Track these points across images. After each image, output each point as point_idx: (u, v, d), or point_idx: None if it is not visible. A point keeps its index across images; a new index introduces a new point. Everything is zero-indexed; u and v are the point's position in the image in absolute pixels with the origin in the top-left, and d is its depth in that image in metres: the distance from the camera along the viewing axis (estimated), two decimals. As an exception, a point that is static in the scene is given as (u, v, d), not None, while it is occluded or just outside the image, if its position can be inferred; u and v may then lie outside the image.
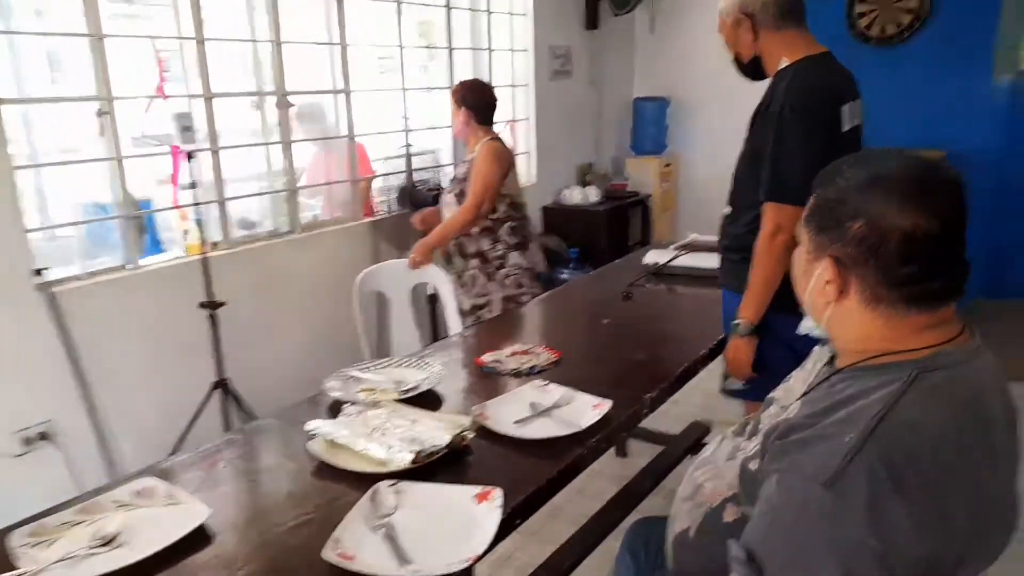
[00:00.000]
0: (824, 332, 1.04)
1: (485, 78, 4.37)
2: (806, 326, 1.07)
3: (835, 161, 1.02)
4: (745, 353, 1.85)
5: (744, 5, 1.80)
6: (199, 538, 1.14)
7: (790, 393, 1.16)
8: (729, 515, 1.12)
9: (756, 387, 1.84)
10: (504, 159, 2.91)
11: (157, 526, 1.14)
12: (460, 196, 2.95)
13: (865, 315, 0.94)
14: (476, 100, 2.94)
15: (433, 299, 3.17)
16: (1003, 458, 0.93)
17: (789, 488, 0.89)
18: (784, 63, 1.79)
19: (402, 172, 3.88)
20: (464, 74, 4.20)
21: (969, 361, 0.93)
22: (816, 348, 1.20)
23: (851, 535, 0.83)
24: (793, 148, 1.67)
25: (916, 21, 4.51)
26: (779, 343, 1.77)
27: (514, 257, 2.97)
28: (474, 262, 2.97)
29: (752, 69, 1.89)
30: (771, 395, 1.23)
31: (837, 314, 0.97)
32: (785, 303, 1.51)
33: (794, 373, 1.22)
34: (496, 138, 2.97)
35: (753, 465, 1.05)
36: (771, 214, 1.72)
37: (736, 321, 1.84)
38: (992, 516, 0.91)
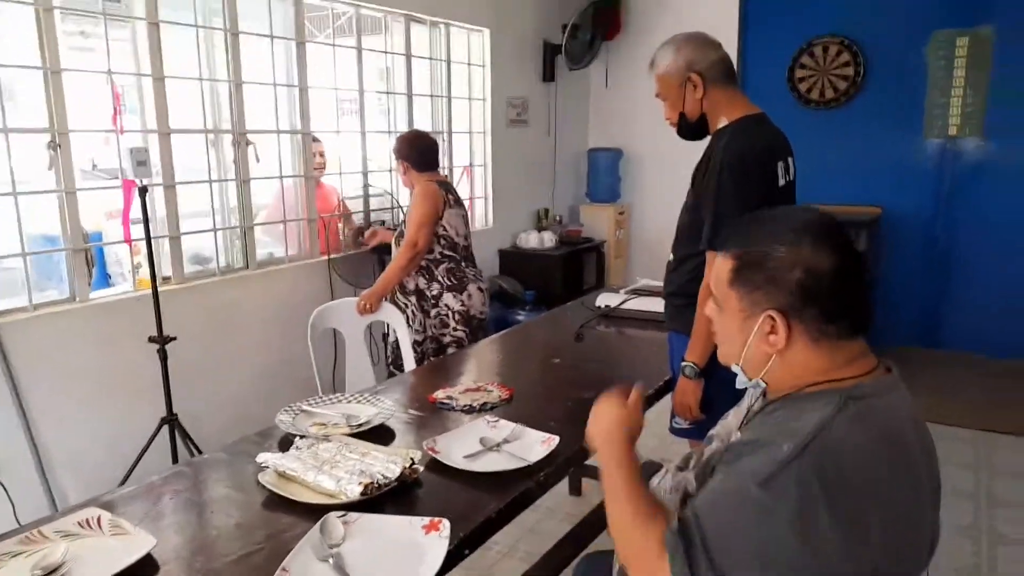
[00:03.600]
0: (759, 383, 1.08)
1: (443, 124, 4.47)
2: (742, 381, 1.11)
3: (729, 227, 1.10)
4: (692, 394, 1.92)
5: (692, 64, 1.88)
6: (145, 568, 1.13)
7: (728, 428, 1.22)
8: (670, 544, 1.16)
9: (702, 426, 1.90)
10: (433, 198, 3.00)
11: (102, 556, 1.13)
12: (400, 238, 3.08)
13: (809, 353, 1.01)
14: (409, 151, 3.08)
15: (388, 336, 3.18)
16: (923, 486, 1.00)
17: (730, 482, 0.96)
18: (723, 122, 1.90)
19: (360, 212, 3.93)
20: (423, 118, 4.29)
21: (888, 393, 1.01)
22: (748, 386, 1.26)
23: (776, 536, 0.89)
24: (732, 201, 1.77)
25: (852, 87, 4.80)
26: (723, 384, 1.84)
27: (447, 298, 3.05)
28: (412, 298, 3.07)
29: (695, 128, 1.97)
30: (711, 432, 1.28)
31: (780, 360, 1.02)
32: None
33: (731, 411, 1.28)
34: (433, 180, 3.06)
35: (692, 489, 1.10)
36: (712, 262, 1.81)
37: (684, 363, 1.91)
38: (909, 539, 0.98)
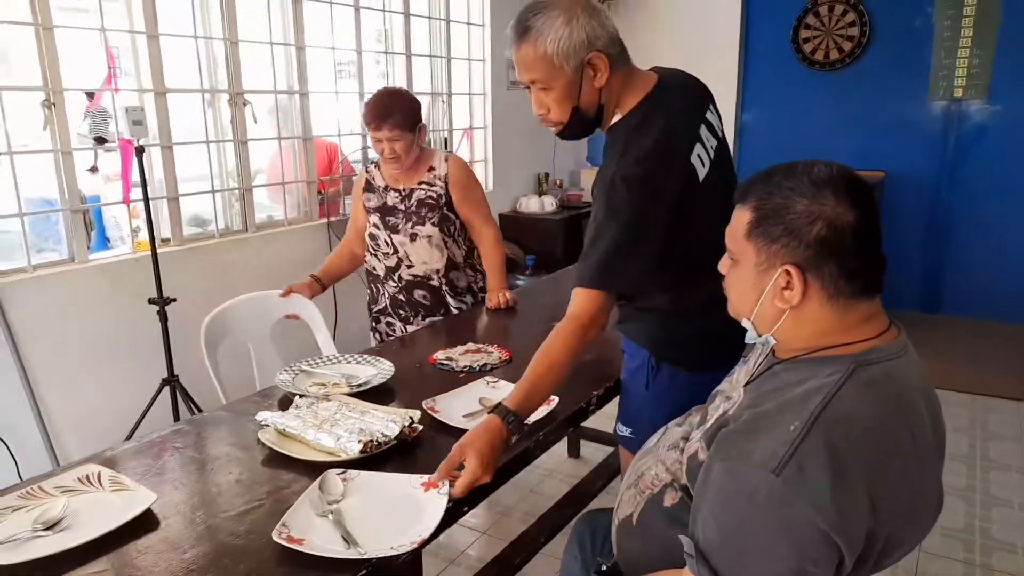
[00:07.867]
0: (768, 340, 1.06)
1: (443, 86, 4.41)
2: (751, 336, 1.09)
3: (748, 179, 1.06)
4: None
5: (593, 40, 1.38)
6: (145, 523, 1.14)
7: (735, 385, 1.21)
8: (669, 500, 1.17)
9: (641, 437, 1.46)
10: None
11: (102, 511, 1.14)
12: (444, 223, 2.44)
13: (824, 311, 0.99)
14: (420, 114, 2.39)
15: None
16: (928, 450, 1.00)
17: (739, 477, 0.94)
18: (616, 116, 1.47)
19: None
20: (422, 80, 4.23)
21: (899, 357, 1.00)
22: (757, 342, 1.23)
23: (800, 517, 0.88)
24: (623, 230, 1.37)
25: (857, 48, 4.72)
26: (671, 387, 1.57)
27: (483, 280, 2.64)
28: (468, 298, 2.59)
29: (590, 124, 1.49)
30: (717, 388, 1.27)
31: (793, 317, 1.01)
32: (698, 358, 1.52)
33: (737, 367, 1.27)
34: (449, 152, 2.67)
35: (702, 455, 1.09)
36: (583, 301, 1.44)
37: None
38: (919, 501, 0.99)
